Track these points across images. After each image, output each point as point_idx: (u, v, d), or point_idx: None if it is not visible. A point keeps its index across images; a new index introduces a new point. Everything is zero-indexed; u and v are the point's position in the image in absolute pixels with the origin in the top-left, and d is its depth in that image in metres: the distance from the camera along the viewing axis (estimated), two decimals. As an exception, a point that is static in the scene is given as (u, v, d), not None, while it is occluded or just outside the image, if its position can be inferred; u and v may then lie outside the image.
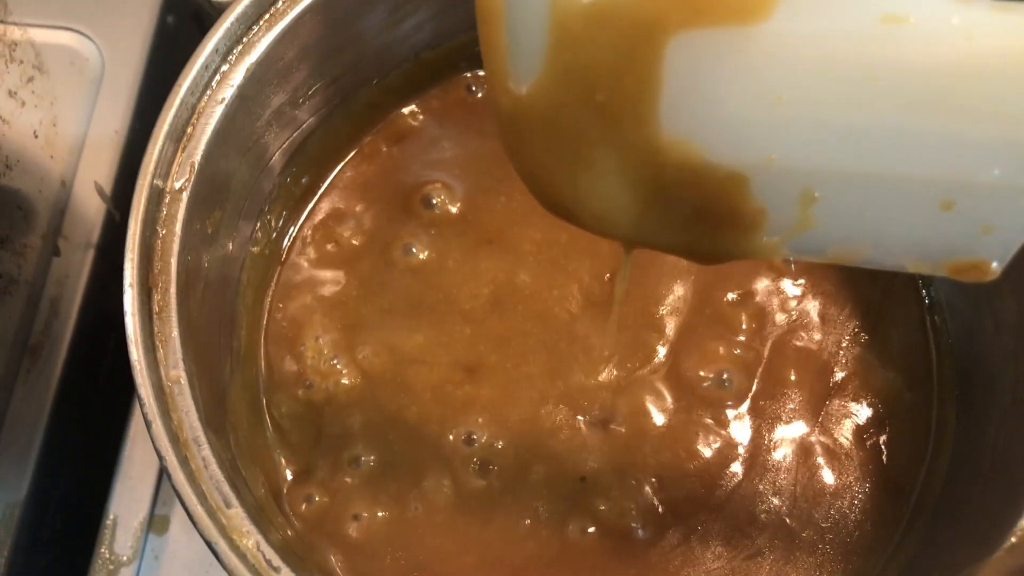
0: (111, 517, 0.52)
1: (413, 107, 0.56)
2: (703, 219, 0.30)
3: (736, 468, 0.48)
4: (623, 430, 0.48)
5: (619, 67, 0.27)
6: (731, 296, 0.51)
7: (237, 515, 0.35)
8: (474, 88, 0.55)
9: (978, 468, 0.43)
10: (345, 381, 0.49)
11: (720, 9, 0.26)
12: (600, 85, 0.28)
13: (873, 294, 0.51)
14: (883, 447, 0.48)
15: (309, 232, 0.53)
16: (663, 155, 0.28)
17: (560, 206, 0.33)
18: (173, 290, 0.38)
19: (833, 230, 0.30)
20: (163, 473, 0.53)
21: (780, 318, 0.51)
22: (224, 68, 0.42)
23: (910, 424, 0.49)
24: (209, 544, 0.34)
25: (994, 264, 0.29)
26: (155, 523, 0.53)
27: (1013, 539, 0.35)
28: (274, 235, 0.51)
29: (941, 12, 0.26)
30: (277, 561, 0.34)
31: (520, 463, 0.47)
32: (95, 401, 0.59)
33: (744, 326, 0.50)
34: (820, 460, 0.48)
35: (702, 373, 0.49)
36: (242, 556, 0.34)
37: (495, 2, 0.29)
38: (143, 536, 0.52)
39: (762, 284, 0.51)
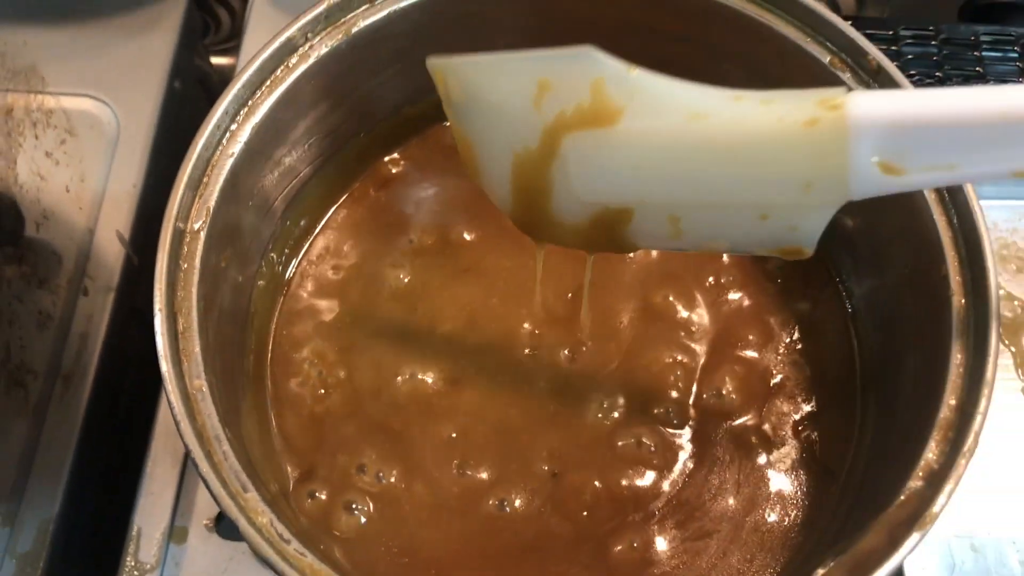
0: (135, 529, 0.56)
1: (396, 155, 0.61)
2: (614, 231, 0.43)
3: (687, 461, 0.53)
4: (584, 428, 0.53)
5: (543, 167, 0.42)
6: (684, 312, 0.57)
7: (253, 498, 0.41)
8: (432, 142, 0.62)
9: (889, 447, 0.49)
10: (341, 396, 0.54)
11: (586, 120, 0.40)
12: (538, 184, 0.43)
13: (803, 306, 0.57)
14: (815, 438, 0.54)
15: (307, 266, 0.58)
16: (586, 204, 0.43)
17: (532, 234, 0.48)
18: (194, 314, 0.44)
19: (697, 235, 0.43)
20: (181, 488, 0.59)
21: (723, 327, 0.56)
22: (233, 127, 0.48)
23: (838, 416, 0.54)
24: (232, 520, 0.40)
25: (806, 248, 0.42)
26: (175, 533, 0.57)
27: (902, 497, 0.41)
28: (277, 269, 0.56)
29: (726, 108, 0.38)
30: (287, 535, 0.40)
31: (497, 461, 0.52)
32: (118, 425, 0.63)
33: (693, 334, 0.56)
34: (760, 451, 0.53)
35: (656, 376, 0.55)
36: (258, 530, 0.40)
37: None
38: (165, 545, 0.56)
39: (708, 297, 0.57)
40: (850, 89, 0.38)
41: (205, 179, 0.47)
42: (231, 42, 0.95)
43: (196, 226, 0.46)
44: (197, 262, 0.45)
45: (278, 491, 0.50)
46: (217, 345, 0.47)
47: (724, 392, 0.55)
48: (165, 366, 0.42)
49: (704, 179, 0.40)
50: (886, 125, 0.36)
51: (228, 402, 0.47)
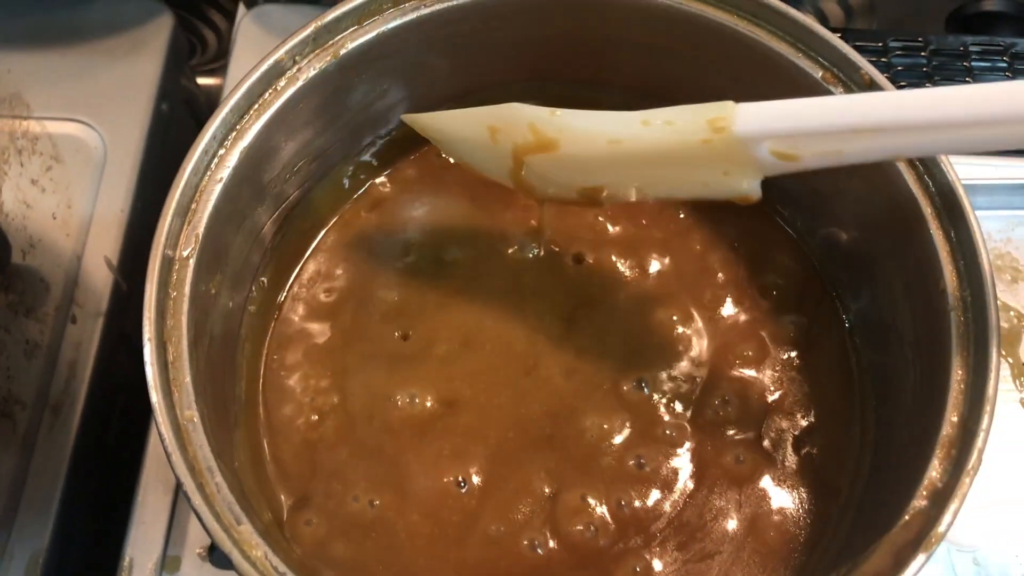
0: (127, 559, 0.56)
1: (386, 177, 0.61)
2: (595, 196, 0.50)
3: (687, 480, 0.52)
4: (582, 449, 0.53)
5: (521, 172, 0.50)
6: (680, 329, 0.56)
7: (247, 530, 0.40)
8: (441, 155, 0.61)
9: (890, 463, 0.49)
10: (334, 421, 0.53)
11: (533, 149, 0.48)
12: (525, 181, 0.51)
13: (801, 321, 0.57)
14: (815, 454, 0.53)
15: (298, 290, 0.57)
16: (563, 187, 0.50)
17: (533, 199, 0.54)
18: (184, 343, 0.43)
19: (661, 194, 0.49)
20: (173, 517, 0.58)
21: (719, 344, 0.56)
22: (221, 152, 0.47)
23: (838, 433, 0.53)
24: (225, 554, 0.39)
25: (752, 196, 0.46)
26: (168, 563, 0.56)
27: (907, 517, 0.41)
28: (268, 294, 0.56)
29: (636, 133, 0.45)
30: (283, 568, 0.39)
31: (493, 483, 0.52)
32: (108, 454, 0.62)
33: (690, 352, 0.56)
34: (762, 469, 0.53)
35: (653, 395, 0.54)
36: (253, 564, 0.39)
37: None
38: (157, 575, 0.55)
39: (704, 314, 0.57)
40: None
41: (193, 205, 0.46)
42: (218, 62, 0.95)
43: (185, 253, 0.45)
44: (187, 289, 0.45)
45: (272, 520, 0.49)
46: (208, 373, 0.46)
47: (722, 410, 0.54)
48: (155, 397, 0.41)
49: (643, 176, 0.48)
50: (767, 134, 0.43)
51: (220, 431, 0.46)
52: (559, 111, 0.47)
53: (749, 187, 0.45)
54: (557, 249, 0.59)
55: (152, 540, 0.57)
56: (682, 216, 0.60)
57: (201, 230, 0.46)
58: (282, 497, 0.51)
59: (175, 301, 0.44)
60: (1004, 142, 0.40)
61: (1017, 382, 0.65)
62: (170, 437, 0.41)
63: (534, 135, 0.47)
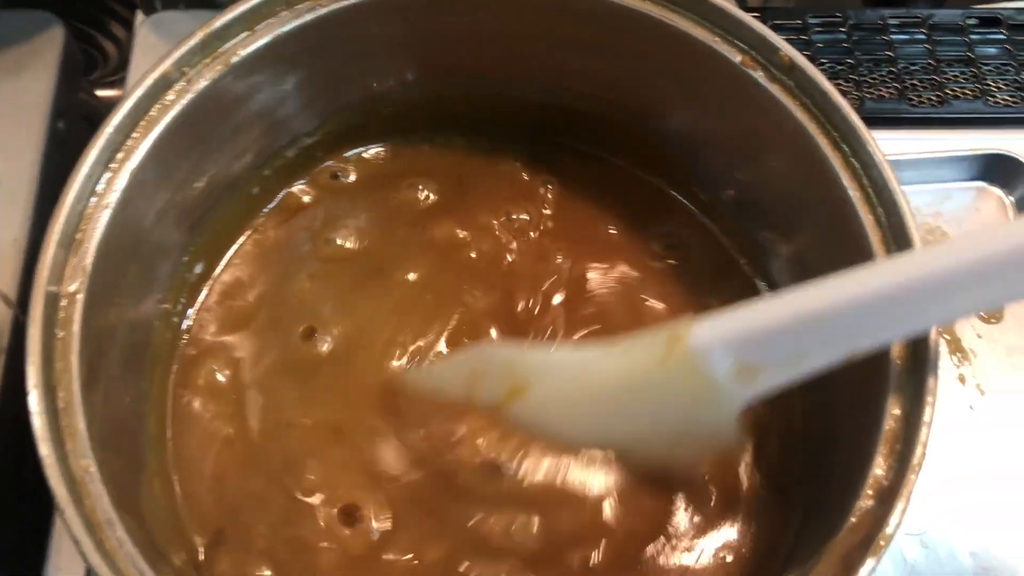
0: None
1: (296, 188, 0.58)
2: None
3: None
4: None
5: None
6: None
7: (155, 586, 0.37)
8: (339, 175, 0.59)
9: (836, 463, 0.47)
10: (243, 449, 0.50)
11: (501, 399, 0.47)
12: None
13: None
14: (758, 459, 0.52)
15: (206, 314, 0.54)
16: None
17: None
18: (76, 387, 0.40)
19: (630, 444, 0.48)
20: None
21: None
22: (107, 175, 0.44)
23: (780, 433, 0.52)
24: (130, 616, 0.36)
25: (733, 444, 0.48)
26: None
27: (853, 519, 0.40)
28: (173, 321, 0.53)
29: (599, 362, 0.46)
30: (195, 623, 0.37)
31: (401, 522, 0.49)
32: (24, 499, 0.59)
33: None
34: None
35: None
36: (164, 623, 0.37)
37: None
38: None
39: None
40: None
41: (79, 235, 0.43)
42: (119, 74, 0.91)
43: (72, 288, 0.42)
44: (76, 328, 0.41)
45: (187, 561, 0.46)
46: (108, 415, 0.43)
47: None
48: (44, 449, 0.38)
49: (608, 419, 0.46)
50: (722, 339, 0.41)
51: (124, 476, 0.43)
52: (527, 350, 0.49)
53: (722, 421, 0.43)
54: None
55: (70, 588, 0.53)
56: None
57: (89, 262, 0.42)
58: (196, 538, 0.48)
59: (63, 341, 0.41)
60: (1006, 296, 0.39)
61: (955, 358, 0.64)
62: (62, 492, 0.38)
63: (508, 379, 0.47)
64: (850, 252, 0.46)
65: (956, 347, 0.64)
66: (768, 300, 0.41)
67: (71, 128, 0.71)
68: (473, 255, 0.57)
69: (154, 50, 0.72)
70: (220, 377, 0.52)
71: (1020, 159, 0.68)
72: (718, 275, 0.57)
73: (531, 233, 0.58)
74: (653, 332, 0.43)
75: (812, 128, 0.47)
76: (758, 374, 0.41)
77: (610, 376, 0.45)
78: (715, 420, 0.43)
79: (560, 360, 0.48)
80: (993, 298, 0.39)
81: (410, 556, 0.49)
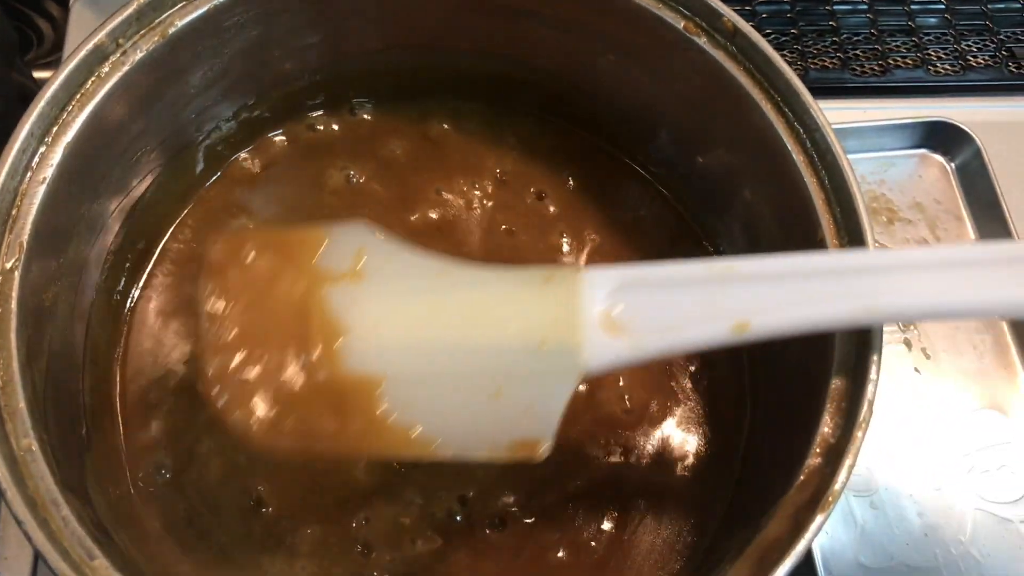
0: None
1: (242, 157, 0.57)
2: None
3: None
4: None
5: None
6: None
7: (101, 565, 0.36)
8: (284, 140, 0.59)
9: (782, 421, 0.48)
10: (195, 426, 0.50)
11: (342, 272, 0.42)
12: None
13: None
14: (706, 421, 0.52)
15: (150, 291, 0.53)
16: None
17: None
18: (15, 365, 0.39)
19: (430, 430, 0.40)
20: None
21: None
22: (42, 149, 0.43)
23: (728, 393, 0.53)
24: (76, 596, 0.36)
25: (544, 443, 0.39)
26: None
27: (802, 476, 0.40)
28: (116, 298, 0.52)
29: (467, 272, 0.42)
30: (146, 601, 0.36)
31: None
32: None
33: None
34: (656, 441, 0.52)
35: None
36: (111, 601, 0.36)
37: None
38: None
39: None
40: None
41: (14, 211, 0.42)
42: (55, 55, 0.88)
43: (8, 265, 0.41)
44: (13, 305, 0.40)
45: (135, 547, 0.45)
46: (50, 393, 0.42)
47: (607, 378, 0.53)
48: (-17, 428, 0.37)
49: (439, 344, 0.40)
50: (610, 280, 0.39)
51: (68, 457, 0.42)
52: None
53: (553, 405, 0.39)
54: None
55: (16, 576, 0.52)
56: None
57: (25, 237, 0.41)
58: (149, 515, 0.48)
59: (1, 319, 0.40)
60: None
61: (899, 323, 0.65)
62: (3, 473, 0.37)
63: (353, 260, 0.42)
64: (796, 214, 0.46)
65: (901, 312, 0.65)
66: (662, 264, 0.40)
67: (7, 109, 0.69)
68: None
69: (90, 28, 0.67)
70: (165, 353, 0.52)
71: (961, 126, 0.69)
72: (670, 240, 0.57)
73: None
74: (539, 267, 0.41)
75: (756, 93, 0.47)
76: (623, 333, 0.39)
77: (472, 286, 0.41)
78: (551, 382, 0.39)
79: (418, 258, 0.42)
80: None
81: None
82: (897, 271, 0.39)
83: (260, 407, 0.39)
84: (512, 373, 0.39)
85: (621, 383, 0.53)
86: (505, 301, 0.40)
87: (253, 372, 0.40)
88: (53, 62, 0.88)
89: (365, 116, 0.60)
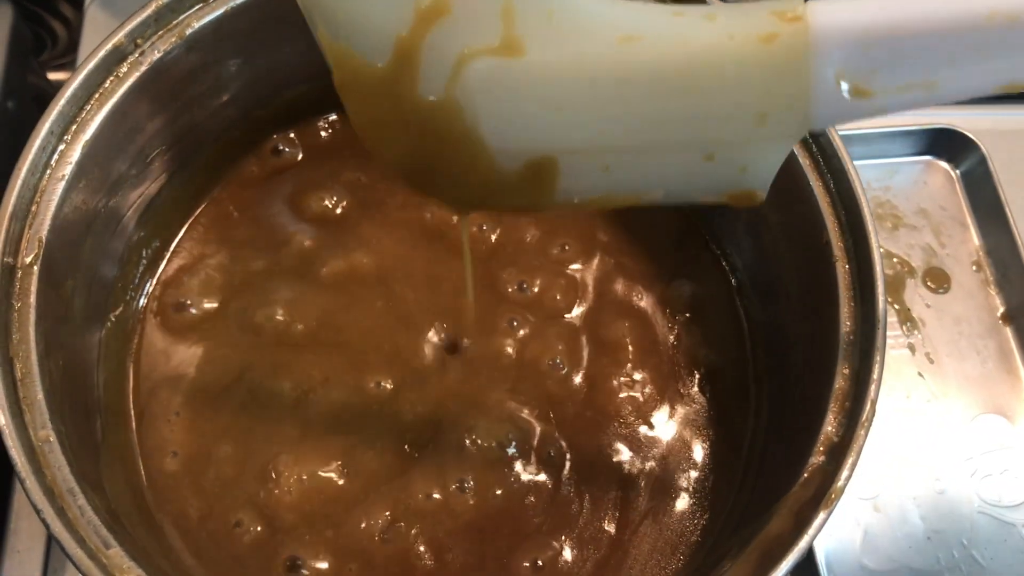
0: None
1: (256, 159, 0.58)
2: (532, 186, 0.37)
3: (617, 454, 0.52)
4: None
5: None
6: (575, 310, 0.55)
7: (117, 554, 0.37)
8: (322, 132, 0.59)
9: (787, 422, 0.48)
10: (209, 431, 0.50)
11: (484, 50, 0.33)
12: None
13: (687, 284, 0.56)
14: (711, 417, 0.52)
15: (165, 285, 0.54)
16: (488, 154, 0.35)
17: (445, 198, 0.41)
18: (34, 358, 0.40)
19: (631, 185, 0.37)
20: (51, 542, 0.55)
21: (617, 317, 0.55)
22: (61, 147, 0.44)
23: (733, 394, 0.53)
24: (95, 582, 0.36)
25: (759, 192, 0.36)
26: None
27: (806, 474, 0.41)
28: (131, 294, 0.52)
29: (664, 27, 0.33)
30: (160, 590, 0.37)
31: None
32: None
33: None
34: (659, 434, 0.52)
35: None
36: (126, 589, 0.37)
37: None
38: None
39: (608, 288, 0.56)
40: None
41: (34, 207, 0.43)
42: (69, 56, 0.89)
43: (28, 260, 0.42)
44: (32, 299, 0.41)
45: (152, 537, 0.46)
46: (66, 387, 0.43)
47: (614, 380, 0.53)
48: (3, 418, 0.38)
49: (642, 115, 0.34)
50: (856, 36, 0.31)
51: (85, 447, 0.43)
52: None
53: (771, 163, 0.35)
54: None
55: (29, 570, 0.54)
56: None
57: (44, 233, 0.42)
58: (164, 515, 0.48)
59: (20, 312, 0.41)
60: None
61: (904, 327, 0.65)
62: (22, 461, 0.37)
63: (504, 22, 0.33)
64: (802, 218, 0.47)
65: (906, 317, 0.66)
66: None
67: (21, 109, 0.70)
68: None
69: (104, 29, 0.70)
70: (179, 352, 0.52)
71: (966, 133, 0.70)
72: (677, 242, 0.58)
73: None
74: (749, 5, 0.33)
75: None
76: (861, 95, 0.32)
77: (674, 47, 0.33)
78: (771, 144, 0.34)
79: (602, 9, 0.33)
80: None
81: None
82: None
83: None
84: (727, 141, 0.34)
85: (627, 380, 0.53)
86: (718, 62, 0.33)
87: None
88: (67, 63, 0.89)
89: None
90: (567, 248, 0.56)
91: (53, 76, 0.85)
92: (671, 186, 0.37)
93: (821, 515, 0.38)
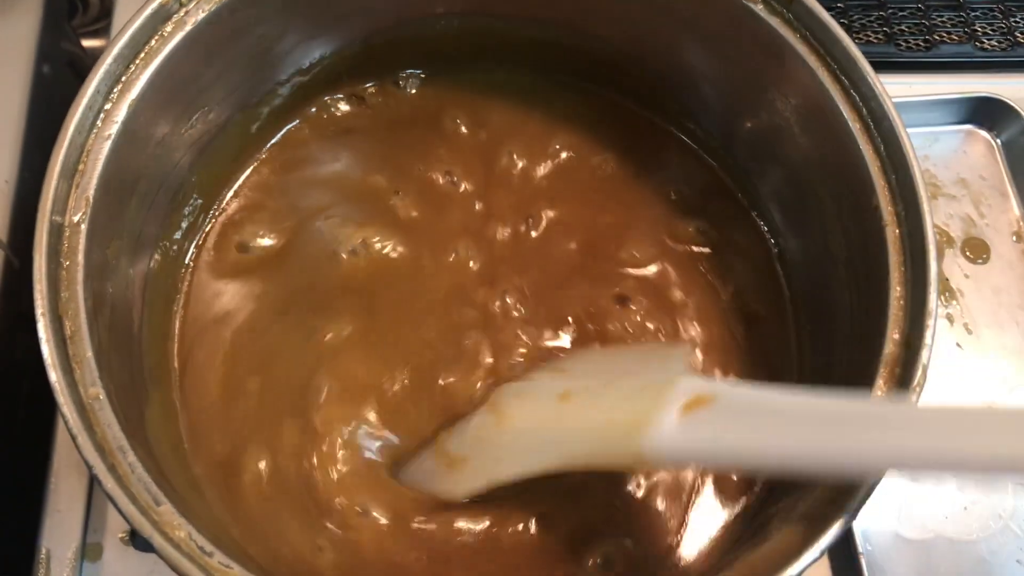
0: (44, 551, 0.53)
1: (295, 125, 0.58)
2: None
3: None
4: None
5: None
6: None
7: (167, 511, 0.37)
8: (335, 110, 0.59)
9: (832, 389, 0.48)
10: (257, 384, 0.51)
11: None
12: None
13: (729, 251, 0.56)
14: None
15: (209, 248, 0.54)
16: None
17: None
18: (83, 316, 0.40)
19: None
20: (90, 502, 0.55)
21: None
22: (107, 107, 0.43)
23: (774, 360, 0.53)
24: (146, 539, 0.36)
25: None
26: (89, 551, 0.53)
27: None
28: (174, 253, 0.52)
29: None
30: (209, 547, 0.37)
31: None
32: (17, 440, 0.59)
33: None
34: None
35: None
36: (176, 546, 0.36)
37: None
38: (78, 565, 0.53)
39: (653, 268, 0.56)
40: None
41: (81, 166, 0.42)
42: (101, 22, 0.89)
43: (76, 219, 0.42)
44: (80, 258, 0.41)
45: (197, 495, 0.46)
46: (113, 345, 0.43)
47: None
48: (54, 375, 0.38)
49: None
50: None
51: (130, 406, 0.43)
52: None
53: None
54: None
55: (69, 529, 0.54)
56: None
57: (91, 192, 0.42)
58: (198, 471, 0.48)
59: (68, 271, 0.41)
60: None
61: (942, 297, 0.65)
62: (74, 418, 0.37)
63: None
64: (848, 183, 0.46)
65: (944, 287, 0.65)
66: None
67: (56, 74, 0.69)
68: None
69: None
70: (225, 307, 0.52)
71: (1008, 102, 0.69)
72: (708, 198, 0.58)
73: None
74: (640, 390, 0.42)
75: (812, 60, 0.47)
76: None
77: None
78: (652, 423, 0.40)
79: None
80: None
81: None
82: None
83: None
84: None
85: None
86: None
87: None
88: (100, 30, 0.88)
89: (411, 90, 0.60)
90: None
91: (86, 43, 0.84)
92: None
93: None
